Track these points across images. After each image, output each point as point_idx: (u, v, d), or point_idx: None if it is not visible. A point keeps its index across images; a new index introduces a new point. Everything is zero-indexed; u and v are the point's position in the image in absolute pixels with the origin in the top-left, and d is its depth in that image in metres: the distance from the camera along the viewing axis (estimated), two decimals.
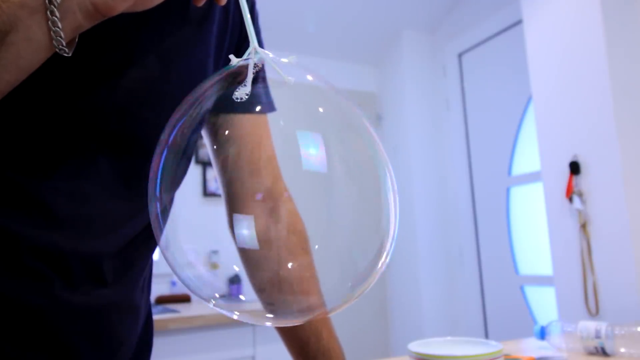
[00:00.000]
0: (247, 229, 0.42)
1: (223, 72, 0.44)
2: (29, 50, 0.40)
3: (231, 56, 0.44)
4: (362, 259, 0.44)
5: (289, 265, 0.48)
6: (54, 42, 0.40)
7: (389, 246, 0.43)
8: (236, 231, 0.43)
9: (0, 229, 0.49)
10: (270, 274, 0.48)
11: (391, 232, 0.43)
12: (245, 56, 0.43)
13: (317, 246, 0.52)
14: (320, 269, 0.53)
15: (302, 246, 0.56)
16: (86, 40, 0.45)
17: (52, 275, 0.51)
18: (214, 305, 0.44)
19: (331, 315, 0.46)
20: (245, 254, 0.54)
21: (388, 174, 0.44)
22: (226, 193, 0.64)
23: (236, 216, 0.43)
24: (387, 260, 0.43)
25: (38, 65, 0.42)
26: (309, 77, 0.44)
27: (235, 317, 0.44)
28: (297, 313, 0.47)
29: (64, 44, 0.40)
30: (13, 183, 0.50)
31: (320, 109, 0.43)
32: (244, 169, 0.58)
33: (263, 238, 0.43)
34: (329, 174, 0.40)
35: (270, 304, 0.51)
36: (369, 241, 0.44)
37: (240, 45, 0.68)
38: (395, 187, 0.44)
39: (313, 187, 0.42)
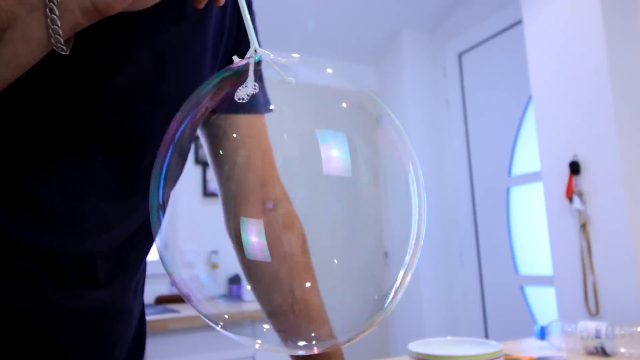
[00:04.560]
0: (250, 236, 0.41)
1: (226, 74, 0.44)
2: (26, 48, 0.39)
3: (234, 57, 0.44)
4: (382, 285, 0.42)
5: (299, 285, 0.47)
6: (52, 40, 0.39)
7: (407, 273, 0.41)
8: (238, 238, 0.42)
9: None
10: (280, 296, 0.47)
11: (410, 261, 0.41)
12: (246, 57, 0.43)
13: (335, 260, 0.46)
14: (343, 293, 0.48)
15: (303, 248, 0.55)
16: (81, 33, 0.44)
17: (44, 277, 0.51)
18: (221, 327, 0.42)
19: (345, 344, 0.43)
20: (251, 273, 0.54)
21: (415, 181, 0.41)
22: (222, 193, 0.64)
23: (241, 220, 0.42)
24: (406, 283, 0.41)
25: (34, 63, 0.41)
26: (329, 71, 0.43)
27: (257, 346, 0.43)
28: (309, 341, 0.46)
29: (62, 42, 0.40)
30: (5, 181, 0.49)
31: (344, 104, 0.42)
32: (240, 169, 0.58)
33: (267, 250, 0.42)
34: (353, 178, 0.38)
35: (282, 331, 0.50)
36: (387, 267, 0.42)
37: (239, 43, 0.68)
38: (422, 195, 0.41)
39: (334, 193, 0.40)
